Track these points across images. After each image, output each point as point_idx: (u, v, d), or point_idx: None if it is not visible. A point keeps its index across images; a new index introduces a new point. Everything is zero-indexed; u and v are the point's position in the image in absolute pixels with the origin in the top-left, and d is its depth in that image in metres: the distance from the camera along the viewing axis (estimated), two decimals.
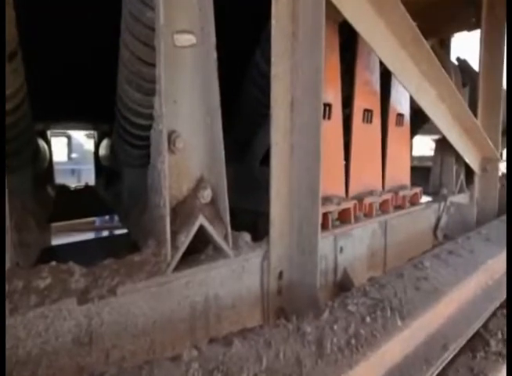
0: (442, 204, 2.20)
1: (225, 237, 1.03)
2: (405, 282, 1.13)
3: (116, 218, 5.48)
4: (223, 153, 1.01)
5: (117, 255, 0.92)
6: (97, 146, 2.57)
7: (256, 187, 1.73)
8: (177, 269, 0.92)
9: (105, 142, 2.36)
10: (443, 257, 1.39)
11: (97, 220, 6.05)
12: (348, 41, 1.63)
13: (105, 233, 5.79)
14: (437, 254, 1.41)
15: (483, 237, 1.71)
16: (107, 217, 5.85)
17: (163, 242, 0.90)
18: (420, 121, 2.41)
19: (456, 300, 1.18)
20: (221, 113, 0.99)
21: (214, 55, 0.97)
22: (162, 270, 0.89)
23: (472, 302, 1.24)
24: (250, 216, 1.71)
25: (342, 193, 1.57)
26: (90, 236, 5.29)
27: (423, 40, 1.54)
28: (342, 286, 1.42)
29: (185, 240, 0.93)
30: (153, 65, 0.92)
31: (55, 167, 2.53)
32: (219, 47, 0.98)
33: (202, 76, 0.99)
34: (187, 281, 0.95)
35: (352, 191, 1.62)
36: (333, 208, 1.42)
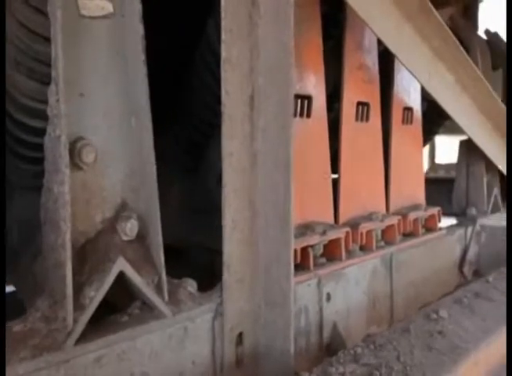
0: (470, 228, 2.26)
1: (158, 288, 1.02)
2: (412, 339, 1.15)
3: None
4: (155, 168, 1.00)
5: None
6: None
7: (212, 213, 1.71)
8: (83, 339, 0.89)
9: None
10: (467, 302, 1.43)
11: None
12: (334, 10, 1.66)
13: None
14: (459, 299, 1.45)
15: None
16: None
17: (60, 300, 0.87)
18: (438, 117, 2.45)
19: (485, 362, 1.19)
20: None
21: (140, 29, 0.96)
22: (58, 343, 0.85)
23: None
24: (205, 255, 1.69)
25: (330, 218, 1.59)
26: None
27: (433, 9, 1.59)
28: (331, 349, 1.41)
29: (95, 296, 0.90)
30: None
31: None
32: (150, 17, 0.97)
33: (123, 59, 0.99)
34: (99, 357, 0.91)
35: (344, 215, 1.64)
36: (317, 240, 1.42)
